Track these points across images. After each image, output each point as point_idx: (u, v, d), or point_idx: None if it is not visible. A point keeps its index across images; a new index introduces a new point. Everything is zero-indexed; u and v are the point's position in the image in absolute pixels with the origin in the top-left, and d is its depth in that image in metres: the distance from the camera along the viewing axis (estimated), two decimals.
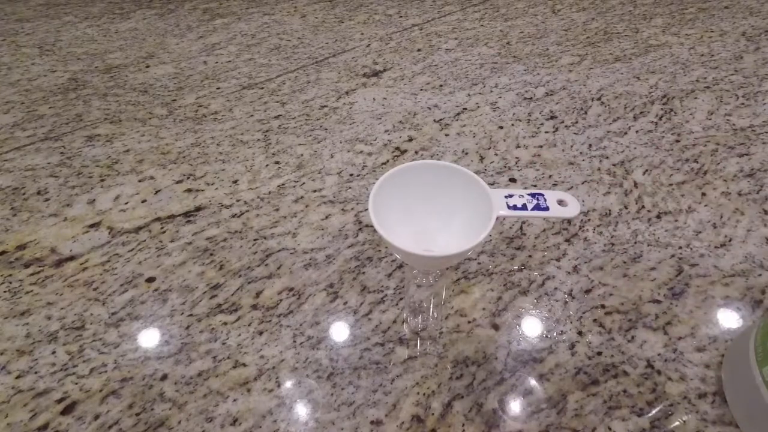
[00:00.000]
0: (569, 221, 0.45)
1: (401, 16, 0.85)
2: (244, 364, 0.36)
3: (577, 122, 0.58)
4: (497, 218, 0.28)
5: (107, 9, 0.91)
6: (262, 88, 0.67)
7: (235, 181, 0.51)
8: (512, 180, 0.50)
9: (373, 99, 0.63)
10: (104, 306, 0.40)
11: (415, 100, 0.63)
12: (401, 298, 0.39)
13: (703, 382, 0.34)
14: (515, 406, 0.33)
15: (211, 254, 0.44)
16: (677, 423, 0.32)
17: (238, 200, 0.49)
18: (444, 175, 0.31)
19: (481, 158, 0.53)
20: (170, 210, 0.48)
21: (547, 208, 0.30)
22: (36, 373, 0.36)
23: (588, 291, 0.40)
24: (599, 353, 0.36)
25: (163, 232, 0.46)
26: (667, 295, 0.39)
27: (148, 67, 0.73)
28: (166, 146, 0.57)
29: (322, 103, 0.63)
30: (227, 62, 0.73)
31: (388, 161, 0.53)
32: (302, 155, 0.54)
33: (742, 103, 0.60)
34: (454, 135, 0.56)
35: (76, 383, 0.35)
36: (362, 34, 0.80)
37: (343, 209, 0.47)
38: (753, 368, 0.30)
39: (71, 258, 0.44)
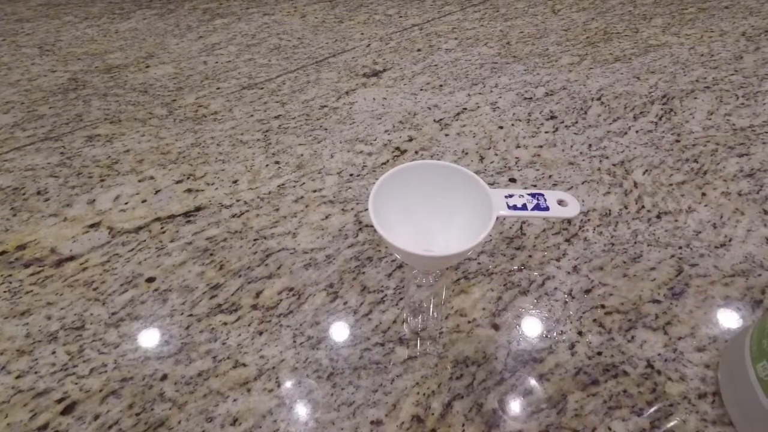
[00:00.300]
0: (569, 221, 0.45)
1: (401, 16, 0.85)
2: (244, 364, 0.36)
3: (577, 122, 0.58)
4: (497, 218, 0.28)
5: (107, 9, 0.91)
6: (262, 88, 0.67)
7: (235, 181, 0.51)
8: (512, 180, 0.50)
9: (373, 99, 0.63)
10: (104, 306, 0.40)
11: (415, 100, 0.63)
12: (401, 298, 0.39)
13: (703, 382, 0.34)
14: (515, 406, 0.33)
15: (211, 254, 0.44)
16: (677, 423, 0.32)
17: (238, 200, 0.49)
18: (444, 175, 0.31)
19: (481, 158, 0.53)
20: (170, 210, 0.48)
21: (547, 208, 0.30)
22: (36, 373, 0.36)
23: (588, 291, 0.40)
24: (599, 353, 0.36)
25: (163, 232, 0.46)
26: (667, 295, 0.39)
27: (148, 67, 0.73)
28: (166, 146, 0.57)
29: (322, 103, 0.63)
30: (227, 62, 0.73)
31: (388, 161, 0.53)
32: (302, 155, 0.54)
33: (742, 103, 0.60)
34: (454, 135, 0.56)
35: (76, 383, 0.35)
36: (362, 34, 0.80)
37: (343, 209, 0.47)
38: (747, 366, 0.30)
39: (71, 258, 0.44)
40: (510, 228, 0.45)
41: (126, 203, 0.49)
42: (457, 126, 0.58)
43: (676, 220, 0.45)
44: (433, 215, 0.31)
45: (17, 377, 0.35)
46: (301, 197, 0.49)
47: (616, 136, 0.55)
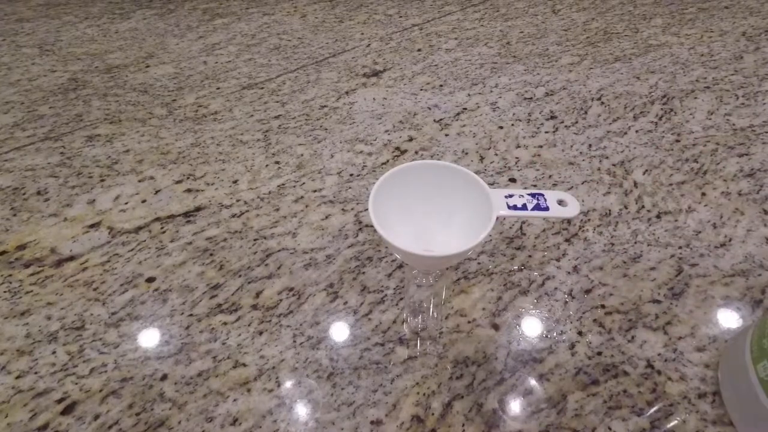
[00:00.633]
0: (569, 221, 0.45)
1: (401, 16, 0.85)
2: (244, 364, 0.36)
3: (577, 122, 0.58)
4: (497, 218, 0.28)
5: (107, 9, 0.91)
6: (262, 88, 0.67)
7: (235, 181, 0.51)
8: (512, 180, 0.50)
9: (373, 99, 0.63)
10: (104, 306, 0.40)
11: (415, 100, 0.63)
12: (401, 298, 0.39)
13: (703, 382, 0.34)
14: (515, 406, 0.33)
15: (211, 254, 0.44)
16: (677, 423, 0.32)
17: (238, 200, 0.49)
18: (444, 175, 0.31)
19: (481, 158, 0.53)
20: (170, 210, 0.48)
21: (547, 208, 0.30)
22: (36, 373, 0.36)
23: (588, 291, 0.40)
24: (599, 353, 0.36)
25: (163, 232, 0.46)
26: (667, 295, 0.39)
27: (148, 67, 0.73)
28: (166, 146, 0.57)
29: (322, 103, 0.63)
30: (227, 62, 0.73)
31: (388, 161, 0.53)
32: (302, 155, 0.54)
33: (742, 103, 0.60)
34: (454, 135, 0.56)
35: (76, 383, 0.35)
36: (362, 34, 0.80)
37: (343, 209, 0.47)
38: (748, 366, 0.30)
39: (71, 258, 0.44)
40: (510, 228, 0.45)
41: (126, 203, 0.49)
42: (457, 126, 0.58)
43: (676, 220, 0.45)
44: (433, 215, 0.31)
45: (17, 377, 0.35)
46: (301, 197, 0.49)
47: (616, 136, 0.55)
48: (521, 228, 0.45)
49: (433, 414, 0.33)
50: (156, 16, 0.88)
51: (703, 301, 0.39)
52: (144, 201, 0.49)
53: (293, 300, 0.40)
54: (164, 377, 0.35)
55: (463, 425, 0.32)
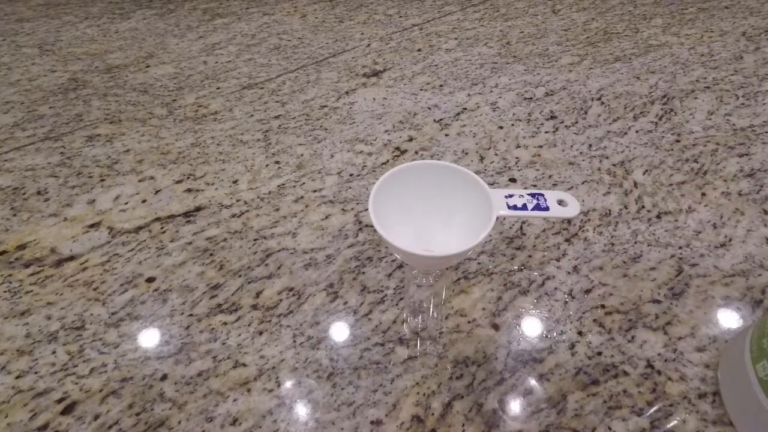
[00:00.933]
0: (569, 221, 0.45)
1: (401, 16, 0.85)
2: (244, 364, 0.36)
3: (577, 122, 0.58)
4: (497, 218, 0.28)
5: (107, 9, 0.91)
6: (262, 88, 0.67)
7: (235, 181, 0.51)
8: (512, 180, 0.50)
9: (373, 99, 0.63)
10: (104, 306, 0.40)
11: (415, 100, 0.63)
12: (401, 298, 0.39)
13: (703, 382, 0.34)
14: (515, 406, 0.33)
15: (211, 254, 0.44)
16: (677, 423, 0.32)
17: (238, 200, 0.49)
18: (444, 175, 0.31)
19: (481, 158, 0.53)
20: (170, 210, 0.48)
21: (547, 208, 0.30)
22: (36, 373, 0.36)
23: (588, 291, 0.40)
24: (599, 353, 0.36)
25: (163, 232, 0.46)
26: (667, 295, 0.39)
27: (148, 67, 0.73)
28: (166, 146, 0.57)
29: (322, 103, 0.63)
30: (227, 62, 0.73)
31: (388, 161, 0.53)
32: (302, 155, 0.54)
33: (742, 103, 0.60)
34: (454, 135, 0.56)
35: (76, 383, 0.35)
36: (362, 34, 0.80)
37: (343, 209, 0.47)
38: (747, 366, 0.30)
39: (71, 258, 0.44)
40: (510, 228, 0.45)
41: (126, 203, 0.49)
42: (457, 126, 0.58)
43: (676, 220, 0.45)
44: (433, 215, 0.31)
45: (17, 377, 0.35)
46: (301, 197, 0.49)
47: (616, 136, 0.55)
48: (521, 228, 0.45)
49: (433, 414, 0.33)
50: (156, 16, 0.88)
51: (703, 301, 0.39)
52: (144, 201, 0.49)
53: (293, 300, 0.40)
54: (164, 377, 0.35)
55: (463, 425, 0.32)
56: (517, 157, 0.53)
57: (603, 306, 0.39)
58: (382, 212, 0.28)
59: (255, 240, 0.45)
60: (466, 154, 0.54)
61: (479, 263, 0.42)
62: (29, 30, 0.84)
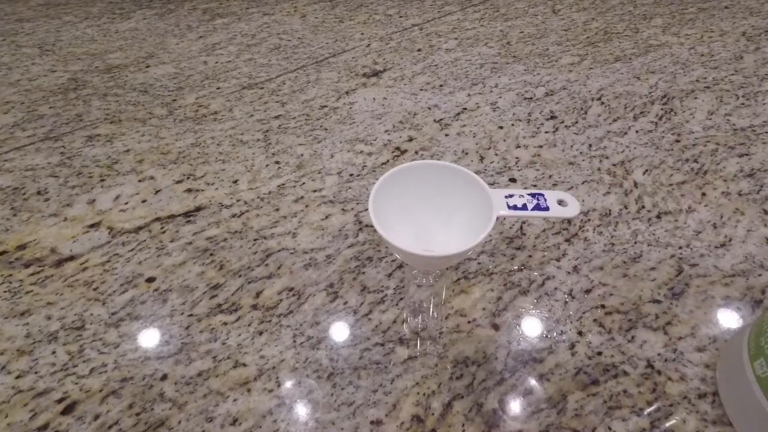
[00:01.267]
0: (569, 221, 0.45)
1: (401, 16, 0.85)
2: (244, 364, 0.36)
3: (577, 122, 0.58)
4: (497, 218, 0.28)
5: (107, 9, 0.91)
6: (262, 88, 0.67)
7: (235, 181, 0.51)
8: (512, 180, 0.50)
9: (373, 99, 0.63)
10: (104, 306, 0.40)
11: (415, 100, 0.63)
12: (401, 298, 0.39)
13: (703, 382, 0.34)
14: (515, 406, 0.33)
15: (211, 254, 0.44)
16: (677, 423, 0.32)
17: (238, 200, 0.49)
18: (444, 175, 0.31)
19: (481, 158, 0.53)
20: (170, 210, 0.48)
21: (547, 208, 0.30)
22: (36, 373, 0.36)
23: (588, 291, 0.40)
24: (599, 353, 0.36)
25: (163, 232, 0.46)
26: (667, 295, 0.39)
27: (148, 67, 0.73)
28: (166, 146, 0.57)
29: (322, 103, 0.63)
30: (227, 62, 0.73)
31: (388, 161, 0.53)
32: (302, 155, 0.54)
33: (742, 103, 0.60)
34: (454, 135, 0.56)
35: (76, 383, 0.35)
36: (362, 34, 0.80)
37: (343, 209, 0.47)
38: (745, 364, 0.30)
39: (71, 258, 0.44)
40: (510, 228, 0.45)
41: (126, 203, 0.49)
42: (457, 126, 0.58)
43: (676, 220, 0.45)
44: (433, 215, 0.31)
45: (17, 377, 0.35)
46: (301, 197, 0.49)
47: (616, 136, 0.55)
48: (521, 228, 0.45)
49: (433, 414, 0.33)
50: (156, 16, 0.88)
51: (703, 301, 0.39)
52: (144, 201, 0.49)
53: (293, 300, 0.40)
54: (164, 377, 0.35)
55: (463, 425, 0.32)
56: (517, 157, 0.53)
57: (603, 306, 0.39)
58: (382, 212, 0.28)
59: (255, 240, 0.45)
60: (466, 154, 0.54)
61: (479, 263, 0.42)
62: (29, 30, 0.84)
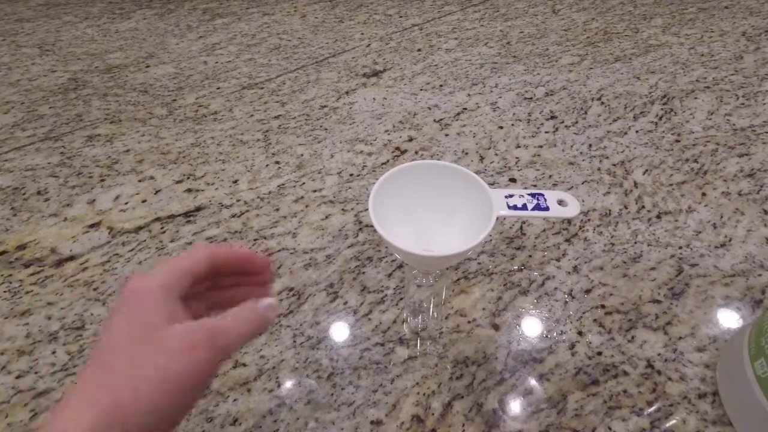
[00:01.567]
0: (569, 221, 0.45)
1: (401, 16, 0.85)
2: (244, 364, 0.36)
3: (577, 122, 0.58)
4: (497, 218, 0.28)
5: (107, 9, 0.91)
6: (262, 88, 0.67)
7: (235, 181, 0.51)
8: (512, 180, 0.50)
9: (373, 99, 0.63)
10: (104, 306, 0.40)
11: (415, 100, 0.63)
12: (401, 298, 0.39)
13: (703, 382, 0.34)
14: (515, 406, 0.33)
15: None
16: (677, 423, 0.32)
17: (238, 200, 0.49)
18: (444, 175, 0.31)
19: (481, 158, 0.53)
20: (170, 210, 0.48)
21: (547, 208, 0.30)
22: (36, 373, 0.36)
23: (588, 291, 0.40)
24: (599, 353, 0.36)
25: (163, 232, 0.46)
26: (667, 295, 0.39)
27: (148, 67, 0.73)
28: (166, 146, 0.57)
29: (322, 103, 0.63)
30: (227, 62, 0.73)
31: (388, 161, 0.53)
32: (302, 155, 0.54)
33: (742, 103, 0.60)
34: (454, 135, 0.56)
35: (76, 383, 0.35)
36: (362, 34, 0.80)
37: (343, 209, 0.47)
38: (746, 364, 0.30)
39: (71, 258, 0.44)
40: (510, 228, 0.45)
41: (126, 203, 0.49)
42: (457, 126, 0.58)
43: (676, 220, 0.45)
44: (433, 215, 0.31)
45: (17, 377, 0.35)
46: (301, 197, 0.49)
47: (616, 136, 0.55)
48: (521, 228, 0.45)
49: (433, 414, 0.33)
50: (156, 16, 0.88)
51: (703, 301, 0.39)
52: (144, 201, 0.49)
53: (293, 300, 0.40)
54: None
55: (463, 425, 0.32)
56: (517, 157, 0.53)
57: (603, 306, 0.39)
58: (382, 212, 0.28)
59: (255, 240, 0.45)
60: (466, 154, 0.54)
61: (479, 263, 0.42)
62: (29, 30, 0.84)
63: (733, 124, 0.56)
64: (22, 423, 0.33)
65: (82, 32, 0.83)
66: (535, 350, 0.36)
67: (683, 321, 0.37)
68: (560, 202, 0.30)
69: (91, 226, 0.47)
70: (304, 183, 0.51)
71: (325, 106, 0.62)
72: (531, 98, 0.62)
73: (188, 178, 0.52)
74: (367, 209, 0.27)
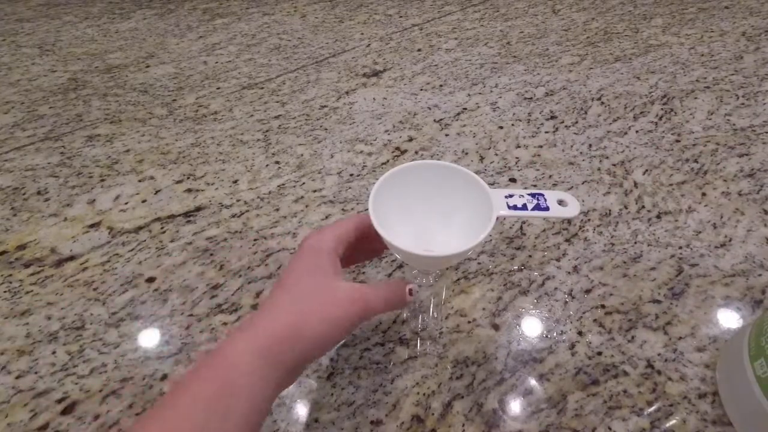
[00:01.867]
0: (569, 221, 0.45)
1: (401, 16, 0.85)
2: None
3: (577, 122, 0.58)
4: (497, 218, 0.28)
5: (107, 9, 0.91)
6: (262, 88, 0.67)
7: (235, 181, 0.51)
8: (512, 180, 0.50)
9: (373, 99, 0.63)
10: (104, 306, 0.40)
11: (415, 100, 0.63)
12: None
13: (703, 383, 0.34)
14: (515, 406, 0.33)
15: (211, 254, 0.44)
16: (677, 423, 0.32)
17: (238, 200, 0.49)
18: (444, 175, 0.31)
19: (481, 158, 0.53)
20: (170, 210, 0.48)
21: (547, 208, 0.30)
22: (36, 373, 0.36)
23: (588, 291, 0.40)
24: (599, 353, 0.36)
25: (163, 232, 0.46)
26: (667, 295, 0.39)
27: (148, 67, 0.73)
28: (166, 146, 0.57)
29: (322, 103, 0.63)
30: (227, 62, 0.73)
31: (388, 161, 0.53)
32: (302, 155, 0.54)
33: (742, 103, 0.60)
34: (454, 135, 0.56)
35: (76, 383, 0.35)
36: (362, 34, 0.80)
37: (343, 209, 0.47)
38: (745, 364, 0.30)
39: (71, 258, 0.44)
40: (510, 228, 0.45)
41: (126, 203, 0.49)
42: (457, 126, 0.58)
43: (676, 220, 0.45)
44: (433, 215, 0.31)
45: (17, 377, 0.35)
46: (301, 197, 0.49)
47: (616, 136, 0.55)
48: (521, 228, 0.45)
49: (433, 414, 0.33)
50: (156, 16, 0.88)
51: (703, 301, 0.39)
52: (144, 201, 0.49)
53: None
54: (164, 377, 0.35)
55: (463, 425, 0.32)
56: (517, 157, 0.53)
57: (603, 306, 0.39)
58: (382, 212, 0.28)
59: (255, 240, 0.45)
60: (466, 154, 0.54)
61: (479, 263, 0.42)
62: (29, 30, 0.84)
63: (733, 124, 0.56)
64: (22, 423, 0.33)
65: (82, 32, 0.83)
66: (535, 350, 0.36)
67: (683, 321, 0.37)
68: (560, 202, 0.30)
69: (91, 226, 0.47)
70: (304, 183, 0.51)
71: (325, 106, 0.62)
72: (531, 98, 0.62)
73: (188, 178, 0.52)
74: (367, 209, 0.27)
